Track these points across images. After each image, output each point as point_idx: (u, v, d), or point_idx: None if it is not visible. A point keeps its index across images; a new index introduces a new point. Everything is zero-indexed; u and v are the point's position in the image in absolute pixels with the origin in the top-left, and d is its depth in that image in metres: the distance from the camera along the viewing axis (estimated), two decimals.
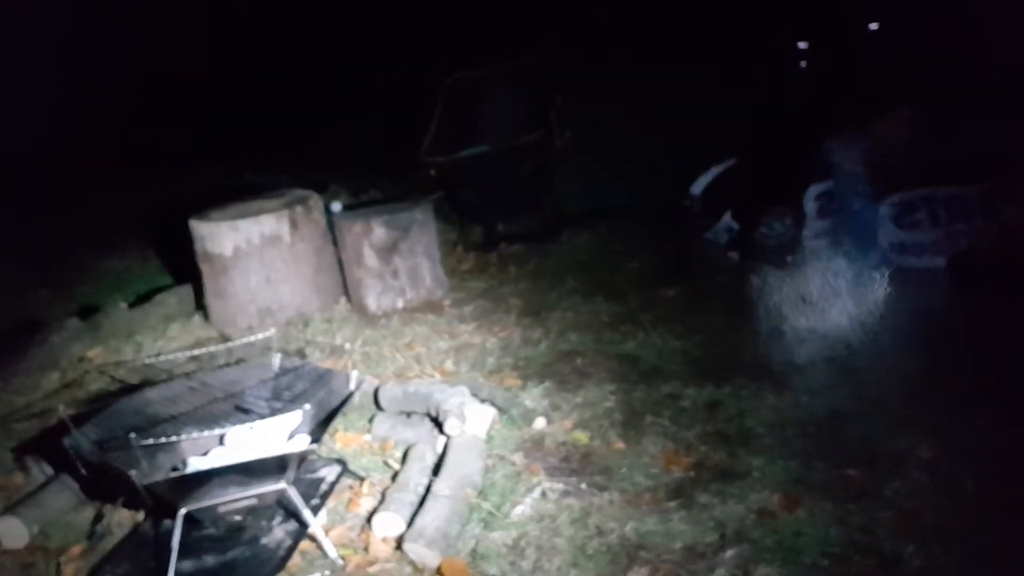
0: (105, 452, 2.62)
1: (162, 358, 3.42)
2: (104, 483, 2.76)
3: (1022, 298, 3.88)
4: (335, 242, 4.63)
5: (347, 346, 3.93)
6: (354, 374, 2.95)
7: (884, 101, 4.80)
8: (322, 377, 3.00)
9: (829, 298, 4.14)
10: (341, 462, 3.02)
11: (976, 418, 2.93)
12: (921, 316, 3.85)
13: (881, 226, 4.25)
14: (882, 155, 4.34)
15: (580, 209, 5.66)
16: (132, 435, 2.47)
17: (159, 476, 2.59)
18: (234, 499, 2.55)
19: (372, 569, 2.53)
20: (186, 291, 4.80)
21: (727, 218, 4.82)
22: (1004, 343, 3.44)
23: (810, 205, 4.56)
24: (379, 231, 4.43)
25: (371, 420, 3.34)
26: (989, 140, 4.37)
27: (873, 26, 6.10)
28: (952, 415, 2.98)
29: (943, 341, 3.54)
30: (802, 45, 5.95)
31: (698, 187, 5.07)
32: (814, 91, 5.99)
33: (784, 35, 6.08)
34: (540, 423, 3.19)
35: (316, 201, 4.65)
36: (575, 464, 2.95)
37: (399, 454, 3.12)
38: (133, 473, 2.36)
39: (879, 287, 4.18)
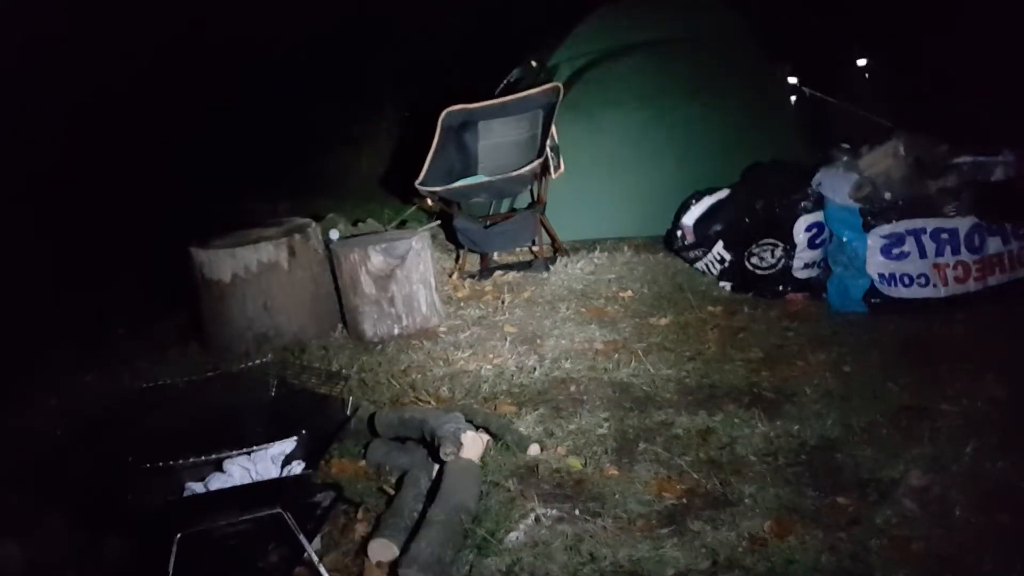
0: (102, 477, 2.64)
1: (160, 384, 3.44)
2: (98, 509, 2.77)
3: (1010, 324, 3.96)
4: (332, 270, 4.68)
5: (343, 372, 3.95)
6: (350, 400, 2.98)
7: (874, 135, 4.89)
8: (318, 403, 3.02)
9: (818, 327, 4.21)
10: (336, 488, 3.03)
11: (965, 446, 2.96)
12: (909, 344, 3.90)
13: (869, 257, 4.31)
14: (871, 187, 4.41)
15: (575, 238, 5.73)
16: (129, 460, 2.50)
17: (156, 500, 2.61)
18: (230, 523, 2.57)
19: None
20: (184, 317, 4.83)
21: (719, 248, 4.88)
22: (993, 371, 3.48)
23: (800, 236, 4.62)
24: (376, 259, 4.48)
25: (366, 446, 3.36)
26: (977, 173, 4.46)
27: (861, 62, 6.23)
28: (941, 443, 3.02)
29: (931, 370, 3.59)
30: (792, 80, 6.05)
31: (690, 217, 5.12)
32: (806, 124, 6.09)
33: (779, 69, 6.20)
34: (534, 450, 3.21)
35: (314, 229, 4.71)
36: (568, 490, 2.97)
37: (394, 480, 3.15)
38: (130, 497, 2.39)
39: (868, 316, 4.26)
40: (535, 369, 3.96)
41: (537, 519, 2.79)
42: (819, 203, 4.58)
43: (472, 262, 5.63)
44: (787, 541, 2.59)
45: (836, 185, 4.51)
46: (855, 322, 4.24)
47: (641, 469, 3.07)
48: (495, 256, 5.72)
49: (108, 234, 6.12)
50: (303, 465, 2.77)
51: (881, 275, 4.31)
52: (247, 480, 2.74)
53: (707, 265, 4.99)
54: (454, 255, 5.72)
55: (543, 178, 5.32)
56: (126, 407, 3.11)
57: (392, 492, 3.04)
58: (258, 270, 4.39)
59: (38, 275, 5.44)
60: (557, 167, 5.33)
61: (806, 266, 4.64)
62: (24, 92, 6.14)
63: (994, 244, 4.25)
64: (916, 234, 4.28)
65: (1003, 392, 3.34)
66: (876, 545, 2.53)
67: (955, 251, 4.25)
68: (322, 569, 2.59)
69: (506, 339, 4.34)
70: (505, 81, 6.39)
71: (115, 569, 2.74)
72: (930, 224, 4.28)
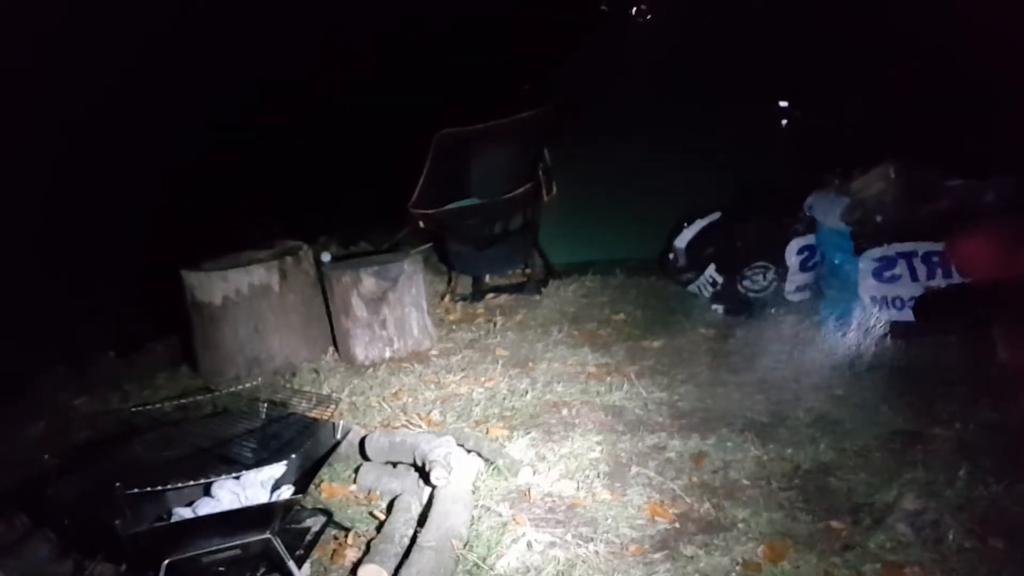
0: (89, 502, 2.61)
1: (149, 407, 3.42)
2: (85, 535, 2.74)
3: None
4: (324, 293, 4.66)
5: (334, 396, 3.93)
6: (340, 424, 2.96)
7: (865, 158, 4.91)
8: (308, 427, 3.00)
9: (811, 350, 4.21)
10: (326, 513, 3.01)
11: (959, 470, 2.95)
12: (902, 368, 3.90)
13: (861, 280, 4.32)
14: (863, 211, 4.43)
15: (567, 261, 5.73)
16: (117, 485, 2.47)
17: (144, 526, 2.58)
18: (218, 549, 2.54)
19: None
20: (174, 340, 4.81)
21: (711, 271, 4.88)
22: (986, 395, 3.48)
23: (792, 259, 4.63)
24: (368, 282, 4.47)
25: (357, 470, 3.34)
26: (967, 197, 4.47)
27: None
28: (934, 468, 3.01)
29: (924, 393, 3.59)
30: (784, 104, 6.09)
31: (682, 240, 5.14)
32: (797, 148, 6.11)
33: (768, 94, 6.22)
34: (526, 474, 3.19)
35: (306, 252, 4.70)
36: (561, 515, 2.95)
37: (384, 505, 3.12)
38: (117, 523, 2.36)
39: (860, 340, 4.25)
40: (527, 392, 3.95)
41: (529, 544, 2.76)
42: (811, 226, 4.60)
43: (464, 284, 5.63)
44: (781, 566, 2.57)
45: (828, 208, 4.53)
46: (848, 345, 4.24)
47: (634, 493, 3.05)
48: (487, 279, 5.71)
49: (98, 257, 6.10)
50: (293, 489, 2.74)
51: (873, 298, 4.31)
52: (236, 505, 2.72)
53: (699, 288, 4.99)
54: (446, 278, 5.72)
55: (536, 201, 5.32)
56: (114, 431, 3.10)
57: (382, 517, 3.01)
58: (249, 293, 4.38)
59: (28, 298, 5.42)
60: (550, 190, 5.34)
61: (798, 289, 4.64)
62: (16, 106, 6.15)
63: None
64: (908, 257, 4.29)
65: (996, 416, 3.34)
66: (870, 570, 2.52)
67: (946, 274, 4.25)
68: None
69: (498, 362, 4.32)
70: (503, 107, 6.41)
71: None
72: (921, 247, 4.29)
